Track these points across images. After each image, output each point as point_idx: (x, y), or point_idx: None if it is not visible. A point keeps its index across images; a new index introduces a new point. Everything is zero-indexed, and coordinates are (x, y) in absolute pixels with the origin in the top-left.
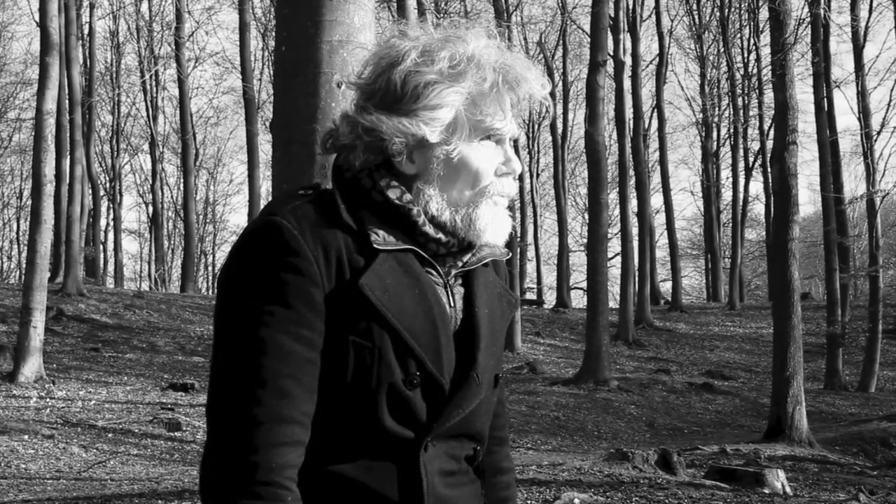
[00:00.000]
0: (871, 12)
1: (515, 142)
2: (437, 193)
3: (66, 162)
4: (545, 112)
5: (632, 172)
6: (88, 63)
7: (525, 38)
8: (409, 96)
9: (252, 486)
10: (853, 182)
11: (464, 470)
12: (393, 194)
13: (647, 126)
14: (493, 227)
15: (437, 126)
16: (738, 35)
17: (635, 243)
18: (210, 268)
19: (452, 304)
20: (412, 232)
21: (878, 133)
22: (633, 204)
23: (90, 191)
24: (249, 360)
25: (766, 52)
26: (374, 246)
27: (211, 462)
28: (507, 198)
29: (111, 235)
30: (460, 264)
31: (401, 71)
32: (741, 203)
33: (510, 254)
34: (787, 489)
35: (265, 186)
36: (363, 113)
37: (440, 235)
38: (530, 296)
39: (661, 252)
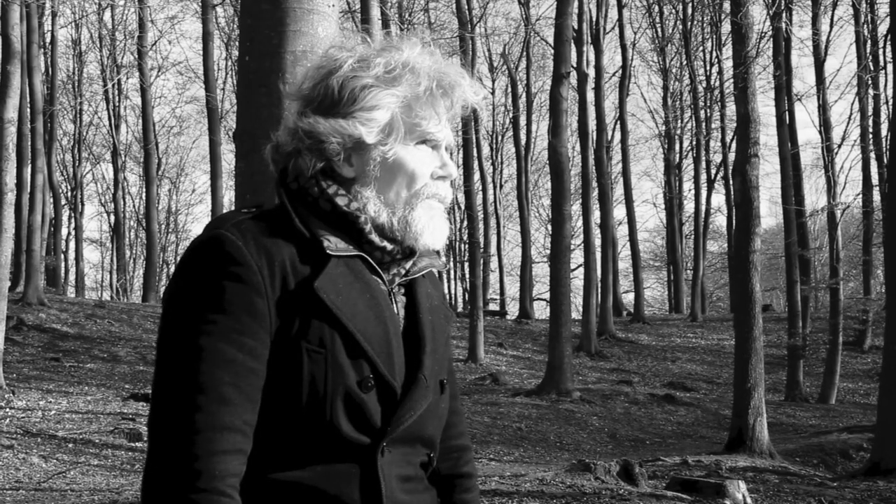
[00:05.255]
0: (832, 27)
1: (478, 151)
2: (374, 195)
3: (28, 171)
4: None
5: (595, 184)
6: (50, 72)
7: (489, 50)
8: (346, 99)
9: (193, 494)
10: (814, 195)
11: (419, 476)
12: (341, 202)
13: (610, 138)
14: (430, 230)
15: (373, 126)
16: (701, 48)
17: (598, 255)
18: None
19: (396, 312)
20: (360, 239)
21: (839, 146)
22: (595, 215)
23: (51, 200)
24: (191, 368)
25: (728, 65)
26: (328, 252)
27: (152, 470)
28: (443, 202)
29: (72, 245)
30: (402, 272)
31: (338, 77)
32: (703, 215)
33: (447, 266)
34: (748, 500)
35: (228, 196)
36: (302, 118)
37: (385, 244)
38: (493, 307)
39: (624, 263)
